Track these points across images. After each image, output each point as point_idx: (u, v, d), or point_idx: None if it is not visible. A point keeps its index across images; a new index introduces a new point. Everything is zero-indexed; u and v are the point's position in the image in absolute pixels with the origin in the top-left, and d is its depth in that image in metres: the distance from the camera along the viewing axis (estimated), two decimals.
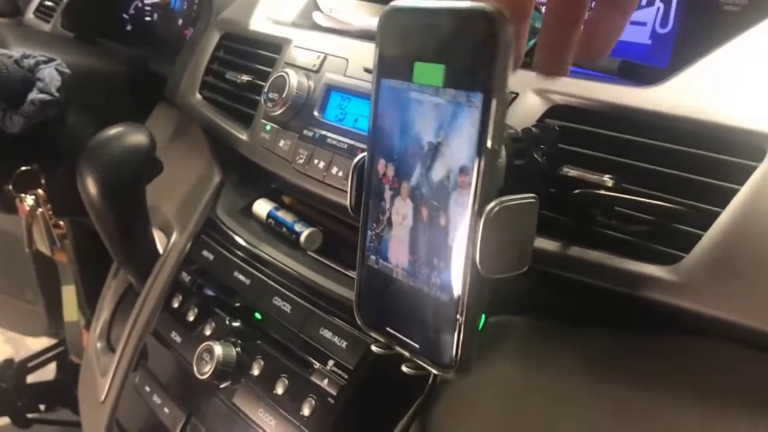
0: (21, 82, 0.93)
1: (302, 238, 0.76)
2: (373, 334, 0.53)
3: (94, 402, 0.86)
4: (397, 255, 0.50)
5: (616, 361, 0.51)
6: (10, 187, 1.02)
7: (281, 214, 0.80)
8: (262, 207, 0.83)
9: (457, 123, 0.44)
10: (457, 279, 0.45)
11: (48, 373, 1.66)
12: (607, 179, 0.51)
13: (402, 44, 0.47)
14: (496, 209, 0.43)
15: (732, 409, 0.44)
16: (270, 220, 0.81)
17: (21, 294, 1.61)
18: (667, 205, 0.49)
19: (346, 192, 0.67)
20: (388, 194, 0.50)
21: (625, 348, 0.50)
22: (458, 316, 0.45)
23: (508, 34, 0.40)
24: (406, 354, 0.50)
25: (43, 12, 1.49)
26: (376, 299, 0.53)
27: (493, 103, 0.41)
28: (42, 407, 1.58)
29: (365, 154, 0.52)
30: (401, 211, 0.49)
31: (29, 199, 1.04)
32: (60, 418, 1.58)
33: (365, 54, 0.74)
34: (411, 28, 0.46)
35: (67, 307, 1.13)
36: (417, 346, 0.49)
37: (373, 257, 0.52)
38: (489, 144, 0.42)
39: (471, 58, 0.42)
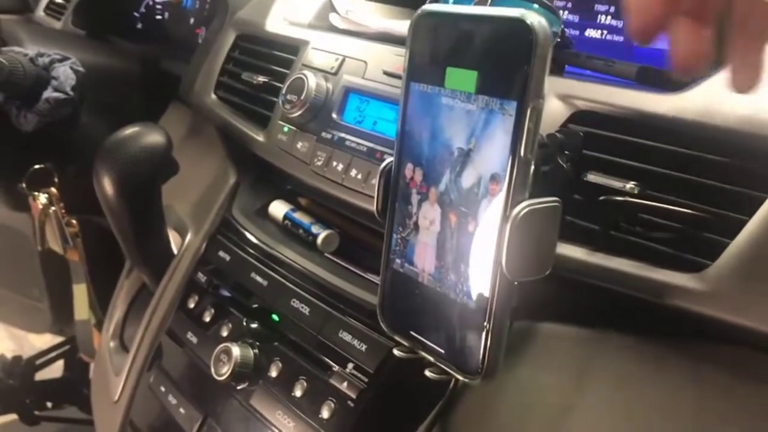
0: (36, 81, 0.93)
1: (319, 240, 0.76)
2: (397, 338, 0.53)
3: (108, 401, 0.86)
4: (424, 260, 0.50)
5: (641, 370, 0.51)
6: (24, 185, 1.02)
7: (298, 216, 0.80)
8: (278, 208, 0.83)
9: (490, 130, 0.44)
10: (484, 285, 0.45)
11: (55, 370, 1.66)
12: (632, 186, 0.51)
13: (434, 48, 0.47)
14: (523, 212, 0.43)
15: (761, 419, 0.44)
16: (287, 221, 0.81)
17: (26, 290, 1.61)
18: (693, 212, 0.49)
19: (364, 194, 0.68)
20: (415, 198, 0.50)
21: (649, 356, 0.50)
22: (485, 323, 0.45)
23: (546, 42, 0.40)
24: (431, 359, 0.50)
25: (53, 9, 1.49)
26: (401, 303, 0.53)
27: (528, 112, 0.41)
28: (49, 405, 1.58)
29: (392, 159, 0.52)
30: (429, 216, 0.49)
31: (42, 198, 1.03)
32: (67, 415, 1.58)
33: (384, 56, 0.74)
34: (444, 33, 0.46)
35: (78, 305, 1.12)
36: (442, 351, 0.49)
37: (398, 261, 0.53)
38: (522, 153, 0.42)
39: (506, 65, 0.42)
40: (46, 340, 1.82)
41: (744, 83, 0.37)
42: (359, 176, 0.69)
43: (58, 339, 1.73)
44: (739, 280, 0.45)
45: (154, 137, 0.81)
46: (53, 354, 1.63)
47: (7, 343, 2.26)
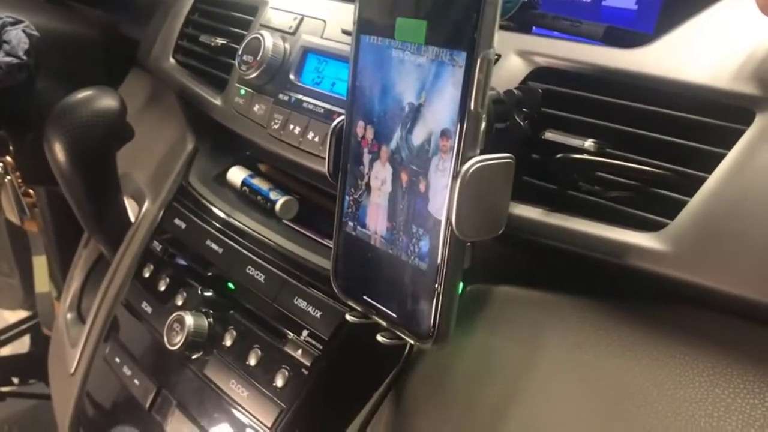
0: None
1: (277, 206, 0.74)
2: (350, 303, 0.51)
3: (64, 373, 0.84)
4: (376, 221, 0.48)
5: (598, 331, 0.49)
6: None
7: (256, 182, 0.78)
8: (236, 174, 0.81)
9: (440, 84, 0.42)
10: (435, 246, 0.44)
11: (22, 345, 1.63)
12: (590, 144, 0.49)
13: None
14: (473, 168, 0.41)
15: (726, 378, 0.43)
16: (245, 187, 0.79)
17: None
18: (651, 169, 0.48)
19: (322, 158, 0.66)
20: (366, 158, 0.48)
21: (607, 318, 0.49)
22: (437, 285, 0.44)
23: None
24: (383, 323, 0.49)
25: None
26: (354, 267, 0.51)
27: (478, 63, 0.39)
28: (15, 380, 1.55)
29: (344, 117, 0.50)
30: (380, 175, 0.47)
31: None
32: (34, 391, 1.56)
33: (343, 15, 0.71)
34: None
35: (39, 278, 1.10)
36: (394, 315, 0.48)
37: (350, 224, 0.51)
38: (472, 106, 0.40)
39: (455, 13, 0.40)
40: (19, 316, 1.79)
41: None
42: (316, 139, 0.67)
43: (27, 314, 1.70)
44: (698, 239, 0.44)
45: (106, 101, 0.78)
46: (19, 329, 1.60)
47: None
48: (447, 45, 0.41)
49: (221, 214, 0.76)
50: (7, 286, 1.56)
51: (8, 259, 1.52)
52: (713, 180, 0.44)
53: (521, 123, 0.51)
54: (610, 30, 0.64)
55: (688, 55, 0.48)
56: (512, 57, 0.56)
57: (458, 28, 0.40)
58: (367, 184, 0.49)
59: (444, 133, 0.42)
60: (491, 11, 0.39)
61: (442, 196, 0.43)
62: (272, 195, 0.75)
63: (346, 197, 0.51)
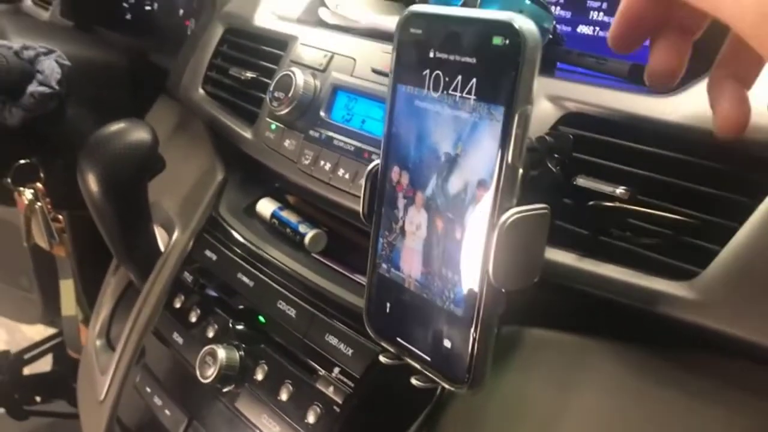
0: (20, 74, 0.91)
1: (307, 239, 0.75)
2: (383, 344, 0.52)
3: (94, 400, 0.85)
4: (410, 265, 0.49)
5: (629, 378, 0.50)
6: (9, 180, 1.01)
7: (285, 214, 0.79)
8: (266, 206, 0.82)
9: (477, 135, 0.43)
10: (471, 294, 0.44)
11: (45, 364, 1.65)
12: (622, 191, 0.50)
13: (421, 51, 0.46)
14: (510, 220, 0.42)
15: (762, 428, 0.43)
16: (274, 219, 0.80)
17: (16, 281, 1.59)
18: (682, 218, 0.48)
19: (352, 194, 0.67)
20: (401, 203, 0.49)
21: (638, 364, 0.50)
22: (472, 332, 0.44)
23: (535, 47, 0.39)
24: (417, 366, 0.49)
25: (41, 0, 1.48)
26: (387, 308, 0.52)
27: (516, 118, 0.40)
28: (38, 399, 1.57)
29: (379, 161, 0.51)
30: (415, 220, 0.48)
31: (28, 193, 1.02)
32: (56, 409, 1.57)
33: (373, 54, 0.72)
34: (431, 35, 0.45)
35: (65, 301, 1.12)
36: (428, 358, 0.48)
37: (384, 265, 0.52)
38: (510, 159, 0.41)
39: (494, 69, 0.41)
40: (38, 330, 1.81)
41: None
42: (347, 176, 0.68)
43: (51, 329, 1.72)
44: (729, 289, 0.45)
45: (139, 134, 0.79)
46: (42, 348, 1.62)
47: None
48: (485, 99, 0.42)
49: (251, 246, 0.77)
50: (27, 301, 1.58)
51: (28, 275, 1.54)
52: (745, 230, 0.45)
53: (553, 169, 0.52)
54: (635, 68, 0.65)
55: None
56: (542, 102, 0.57)
57: (496, 83, 0.41)
58: (402, 228, 0.50)
59: (481, 184, 0.43)
60: (529, 68, 0.40)
61: (478, 245, 0.44)
62: (301, 228, 0.76)
63: (380, 239, 0.52)
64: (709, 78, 0.39)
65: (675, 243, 0.49)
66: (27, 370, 1.59)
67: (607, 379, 0.51)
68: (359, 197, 0.52)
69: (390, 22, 0.78)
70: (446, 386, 0.47)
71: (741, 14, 0.30)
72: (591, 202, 0.51)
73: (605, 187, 0.51)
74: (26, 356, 1.58)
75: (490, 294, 0.44)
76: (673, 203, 0.49)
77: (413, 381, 0.49)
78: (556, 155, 0.53)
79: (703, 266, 0.46)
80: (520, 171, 0.42)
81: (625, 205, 0.50)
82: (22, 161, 1.01)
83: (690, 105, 0.50)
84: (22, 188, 1.03)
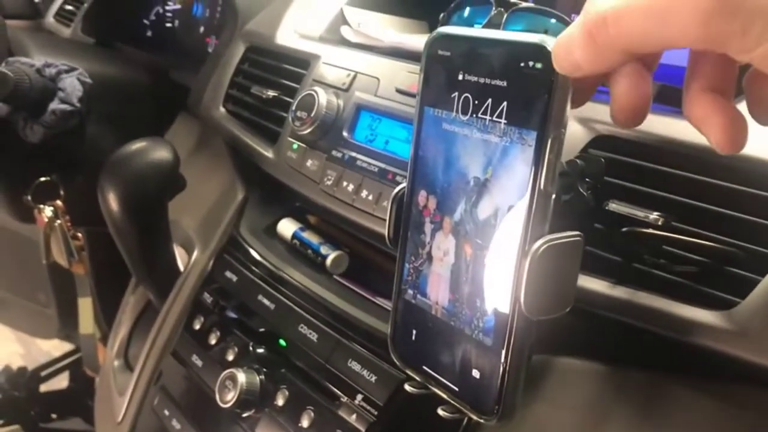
0: (42, 92, 0.91)
1: (328, 261, 0.74)
2: (408, 372, 0.51)
3: (112, 422, 0.84)
4: (437, 292, 0.48)
5: (661, 408, 0.49)
6: (29, 197, 1.01)
7: (307, 235, 0.78)
8: (287, 227, 0.81)
9: (508, 160, 0.42)
10: (501, 323, 0.43)
11: (61, 380, 1.65)
12: (656, 217, 0.48)
13: (449, 73, 0.45)
14: (543, 248, 0.41)
15: None
16: (295, 240, 0.79)
17: (33, 296, 1.60)
18: (719, 246, 0.47)
19: (375, 216, 0.66)
20: (428, 228, 0.48)
21: (673, 395, 0.48)
22: (502, 362, 0.43)
23: None
24: (444, 396, 0.48)
25: (63, 16, 1.48)
26: (413, 336, 0.51)
27: (549, 143, 0.39)
28: (54, 416, 1.57)
29: (405, 185, 0.50)
30: (443, 246, 0.47)
31: (48, 210, 1.02)
32: (72, 427, 1.57)
33: (397, 73, 0.71)
34: (459, 57, 0.44)
35: (83, 319, 1.11)
36: (456, 388, 0.47)
37: (410, 291, 0.50)
38: (542, 185, 0.40)
39: (526, 94, 0.40)
40: (53, 344, 1.81)
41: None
42: (370, 197, 0.67)
43: (66, 343, 1.72)
44: None
45: (160, 153, 0.79)
46: (59, 365, 1.62)
47: (15, 347, 2.26)
48: (516, 124, 0.41)
49: (272, 268, 0.76)
50: (43, 315, 1.59)
51: (46, 290, 1.54)
52: None
53: (585, 193, 0.50)
54: (664, 89, 0.63)
55: (755, 128, 0.47)
56: (572, 124, 0.55)
57: (528, 107, 0.40)
58: (429, 254, 0.48)
59: (511, 210, 0.42)
60: (562, 92, 0.39)
61: (508, 273, 0.42)
62: (323, 250, 0.75)
63: (406, 265, 0.51)
64: (686, 94, 0.37)
65: (712, 272, 0.47)
66: (44, 387, 1.58)
67: (639, 410, 0.49)
68: (383, 219, 0.51)
69: (413, 40, 0.77)
70: (474, 418, 0.46)
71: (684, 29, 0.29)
72: (624, 229, 0.49)
73: (638, 212, 0.49)
74: (43, 373, 1.58)
75: (521, 323, 0.42)
76: (708, 230, 0.47)
77: (440, 412, 0.48)
78: (587, 179, 0.51)
79: (741, 296, 0.45)
80: (553, 196, 0.41)
81: (660, 232, 0.48)
82: (42, 179, 1.01)
83: None
84: (42, 206, 1.02)
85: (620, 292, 0.49)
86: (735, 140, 0.35)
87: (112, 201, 0.77)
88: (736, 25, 0.28)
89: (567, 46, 0.35)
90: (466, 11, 0.83)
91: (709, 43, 0.29)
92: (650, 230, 0.49)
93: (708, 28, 0.29)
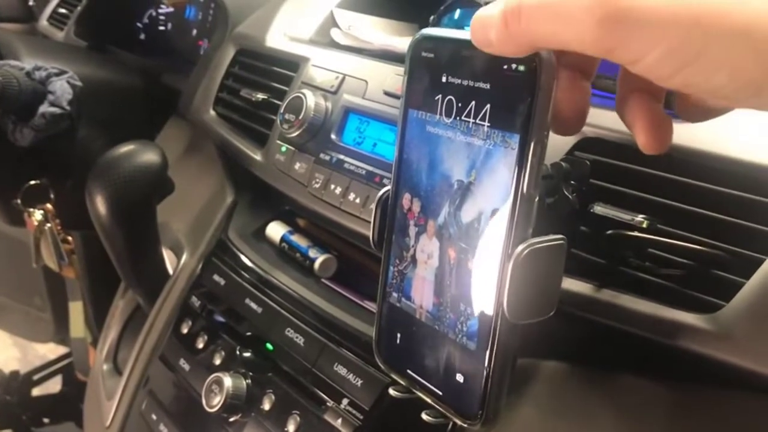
0: (32, 95, 0.91)
1: (316, 264, 0.74)
2: (393, 376, 0.50)
3: (100, 425, 0.84)
4: (422, 295, 0.48)
5: (646, 411, 0.48)
6: (19, 201, 1.00)
7: (295, 239, 0.78)
8: (275, 230, 0.81)
9: (491, 163, 0.41)
10: (485, 327, 0.43)
11: (54, 384, 1.64)
12: (641, 219, 0.48)
13: (433, 75, 0.44)
14: (525, 252, 0.40)
15: None
16: (283, 244, 0.79)
17: (29, 300, 1.60)
18: (705, 249, 0.47)
19: (362, 219, 0.66)
20: (413, 231, 0.48)
21: (656, 397, 0.48)
22: (486, 366, 0.43)
23: (551, 72, 0.38)
24: (428, 400, 0.47)
25: (56, 19, 1.48)
26: (397, 339, 0.50)
27: (532, 147, 0.39)
28: (46, 420, 1.56)
29: (390, 187, 0.49)
30: (426, 249, 0.47)
31: (38, 214, 1.01)
32: (64, 431, 1.56)
33: (385, 76, 0.71)
34: (443, 59, 0.44)
35: (74, 323, 1.11)
36: (440, 392, 0.47)
37: (395, 295, 0.50)
38: (525, 189, 0.39)
39: (509, 97, 0.39)
40: (50, 348, 1.80)
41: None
42: (357, 200, 0.67)
43: (62, 347, 1.72)
44: (755, 323, 0.43)
45: (149, 156, 0.79)
46: (51, 369, 1.61)
47: (12, 351, 2.25)
48: (499, 127, 0.41)
49: (260, 272, 0.76)
50: (39, 320, 1.58)
51: (41, 295, 1.54)
52: None
53: (570, 196, 0.50)
54: None
55: (743, 132, 0.47)
56: None
57: (511, 110, 0.40)
58: (413, 257, 0.48)
59: (495, 213, 0.42)
60: (546, 95, 0.39)
61: (492, 276, 0.42)
62: (311, 253, 0.75)
63: (391, 268, 0.50)
64: (617, 95, 0.38)
65: (697, 274, 0.47)
66: (36, 391, 1.58)
67: (625, 413, 0.49)
68: (370, 222, 0.51)
69: (402, 43, 0.77)
70: (458, 422, 0.45)
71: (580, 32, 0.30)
72: (609, 231, 0.49)
73: (624, 216, 0.49)
74: (35, 377, 1.57)
75: (505, 328, 0.42)
76: (694, 232, 0.47)
77: (424, 416, 0.47)
78: (572, 182, 0.51)
79: (726, 299, 0.44)
80: (536, 200, 0.41)
81: (645, 235, 0.48)
82: (32, 182, 1.01)
83: (711, 130, 0.48)
84: (32, 209, 1.02)
85: (605, 294, 0.49)
86: (659, 142, 0.36)
87: (100, 204, 0.77)
88: (620, 36, 0.29)
89: (484, 23, 0.36)
90: (456, 13, 0.83)
91: (600, 51, 0.30)
92: (635, 233, 0.48)
93: (597, 36, 0.29)
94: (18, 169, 1.00)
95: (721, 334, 0.44)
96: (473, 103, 0.42)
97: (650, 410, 0.48)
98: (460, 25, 0.82)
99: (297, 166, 0.74)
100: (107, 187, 0.77)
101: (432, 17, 0.83)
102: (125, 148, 0.79)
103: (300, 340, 0.66)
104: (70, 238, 1.05)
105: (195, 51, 1.25)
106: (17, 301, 1.64)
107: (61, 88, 0.93)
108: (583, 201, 0.51)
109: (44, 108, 0.91)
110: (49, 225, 1.02)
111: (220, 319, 0.76)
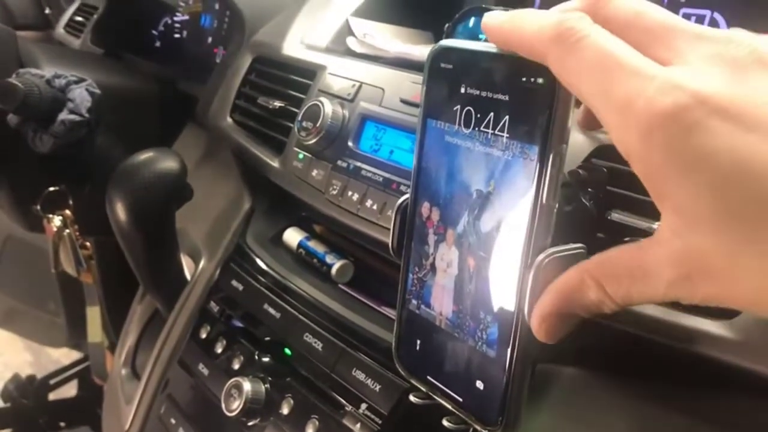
0: (51, 103, 0.92)
1: (333, 270, 0.75)
2: (413, 382, 0.51)
3: (119, 429, 0.85)
4: (441, 303, 0.48)
5: (664, 417, 0.49)
6: (38, 207, 1.01)
7: (312, 245, 0.79)
8: (292, 236, 0.82)
9: (510, 174, 0.42)
10: (505, 335, 0.43)
11: (70, 388, 1.65)
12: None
13: (451, 86, 0.45)
14: (546, 261, 0.41)
15: None
16: (300, 249, 0.80)
17: (43, 305, 1.61)
18: None
19: (380, 226, 0.66)
20: (432, 239, 0.48)
21: (674, 403, 0.48)
22: (506, 373, 0.43)
23: None
24: (448, 406, 0.48)
25: (73, 27, 1.50)
26: (417, 346, 0.51)
27: (551, 158, 0.39)
28: (62, 424, 1.57)
29: (408, 195, 0.50)
30: (446, 257, 0.47)
31: (57, 220, 1.03)
32: None
33: (401, 84, 0.72)
34: (462, 70, 0.44)
35: (92, 328, 1.12)
36: (460, 399, 0.47)
37: (414, 302, 0.51)
38: (544, 199, 0.40)
39: (528, 108, 0.40)
40: (64, 352, 1.81)
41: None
42: (375, 207, 0.67)
43: (76, 352, 1.73)
44: None
45: (168, 163, 0.80)
46: (67, 373, 1.62)
47: (25, 355, 2.27)
48: (518, 138, 0.41)
49: (278, 277, 0.77)
50: (53, 325, 1.60)
51: (55, 299, 1.55)
52: None
53: (587, 204, 0.51)
54: None
55: None
56: (574, 134, 0.55)
57: (530, 121, 0.40)
58: (432, 265, 0.49)
59: (514, 222, 0.42)
60: (564, 107, 0.39)
61: (511, 285, 0.43)
62: (328, 259, 0.76)
63: (410, 275, 0.51)
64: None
65: None
66: (52, 396, 1.59)
67: (642, 419, 0.49)
68: (387, 228, 0.52)
69: (418, 51, 0.78)
70: (479, 428, 0.46)
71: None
72: (627, 239, 0.50)
73: (641, 223, 0.50)
74: (52, 381, 1.58)
75: (525, 335, 0.43)
76: None
77: (445, 422, 0.48)
78: (589, 189, 0.52)
79: None
80: (555, 209, 0.41)
81: None
82: (51, 188, 1.02)
83: None
84: (51, 215, 1.03)
85: None
86: None
87: (120, 211, 0.78)
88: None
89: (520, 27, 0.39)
90: (471, 21, 0.84)
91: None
92: None
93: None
94: (37, 175, 1.01)
95: (738, 340, 0.44)
96: (492, 114, 0.43)
97: (666, 416, 0.48)
98: (474, 33, 0.82)
99: (314, 173, 0.75)
100: (127, 194, 0.78)
101: (447, 25, 0.84)
102: (145, 156, 0.80)
103: (318, 345, 0.67)
104: (88, 244, 1.06)
105: (210, 58, 1.26)
106: (31, 305, 1.66)
107: (80, 96, 0.94)
108: (600, 208, 0.52)
109: (64, 115, 0.92)
110: (67, 231, 1.03)
111: (239, 324, 0.77)
